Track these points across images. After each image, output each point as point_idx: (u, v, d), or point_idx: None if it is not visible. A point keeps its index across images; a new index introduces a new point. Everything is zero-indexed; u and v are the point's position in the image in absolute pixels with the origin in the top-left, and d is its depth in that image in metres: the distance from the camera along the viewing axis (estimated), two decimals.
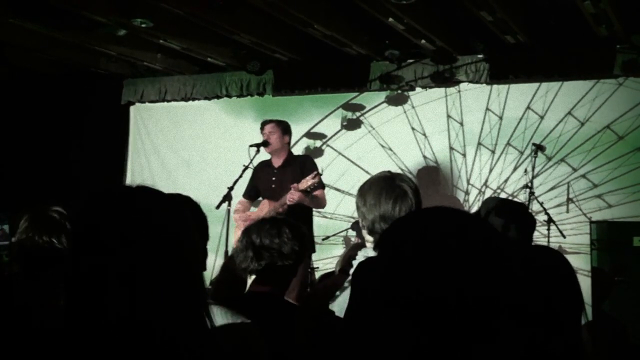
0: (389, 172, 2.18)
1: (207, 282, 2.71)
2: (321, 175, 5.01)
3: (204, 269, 1.90)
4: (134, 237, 1.06)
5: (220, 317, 1.49)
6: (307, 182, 4.93)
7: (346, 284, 2.02)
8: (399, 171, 5.66)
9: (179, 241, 1.11)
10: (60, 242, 2.45)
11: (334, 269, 4.55)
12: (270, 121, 5.43)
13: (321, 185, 5.19)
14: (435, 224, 0.92)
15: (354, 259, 2.06)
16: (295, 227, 2.54)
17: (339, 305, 1.97)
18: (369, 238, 2.10)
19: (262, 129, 5.42)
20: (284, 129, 5.40)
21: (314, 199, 5.13)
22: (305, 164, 5.26)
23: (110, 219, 1.08)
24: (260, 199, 5.58)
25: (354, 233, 6.29)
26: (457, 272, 0.85)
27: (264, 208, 5.31)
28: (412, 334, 0.84)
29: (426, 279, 0.85)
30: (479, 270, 0.86)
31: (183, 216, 1.15)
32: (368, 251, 2.09)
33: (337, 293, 2.05)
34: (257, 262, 2.45)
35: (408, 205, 2.03)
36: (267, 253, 2.45)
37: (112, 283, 1.03)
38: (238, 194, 5.40)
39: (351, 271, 2.03)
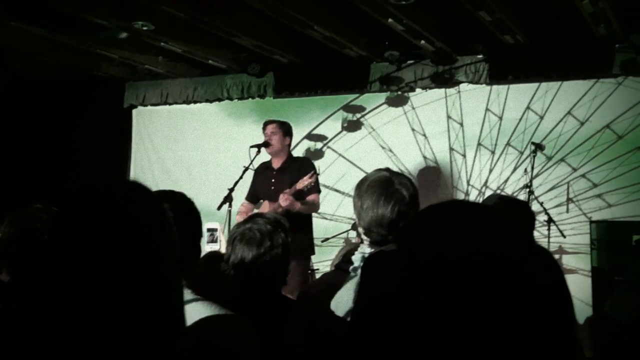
0: (387, 170, 2.13)
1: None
2: (318, 175, 4.97)
3: (197, 266, 1.88)
4: (107, 255, 1.08)
5: (207, 311, 1.50)
6: (304, 182, 4.91)
7: (347, 282, 2.02)
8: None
9: (154, 249, 1.13)
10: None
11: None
12: (273, 121, 5.41)
13: (316, 189, 5.16)
14: (454, 229, 0.91)
15: (351, 255, 2.05)
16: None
17: (337, 302, 1.97)
18: (365, 237, 2.10)
19: (264, 128, 5.40)
20: (286, 130, 5.38)
21: (306, 204, 5.05)
22: (303, 166, 5.25)
23: (81, 234, 1.10)
24: (262, 201, 5.58)
25: (354, 234, 6.29)
26: (464, 282, 0.86)
27: (264, 209, 5.32)
28: (418, 341, 0.85)
29: (442, 288, 0.86)
30: (489, 280, 0.87)
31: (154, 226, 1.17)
32: (365, 248, 2.09)
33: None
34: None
35: (404, 208, 2.02)
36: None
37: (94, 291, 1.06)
38: (239, 195, 5.40)
39: (350, 268, 2.04)
